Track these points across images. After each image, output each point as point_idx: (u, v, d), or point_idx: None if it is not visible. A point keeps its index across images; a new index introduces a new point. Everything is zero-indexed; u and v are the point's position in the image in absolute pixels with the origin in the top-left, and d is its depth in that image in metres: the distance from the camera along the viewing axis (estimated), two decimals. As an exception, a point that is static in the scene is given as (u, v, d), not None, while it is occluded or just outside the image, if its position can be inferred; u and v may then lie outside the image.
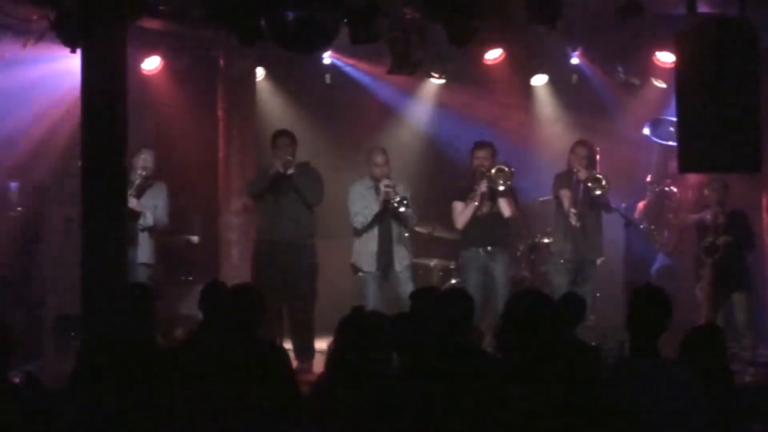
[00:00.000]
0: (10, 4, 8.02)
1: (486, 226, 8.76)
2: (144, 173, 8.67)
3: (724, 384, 4.91)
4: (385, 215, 8.76)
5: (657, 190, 9.30)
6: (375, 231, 8.75)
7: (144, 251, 8.71)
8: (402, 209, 8.67)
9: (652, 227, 9.61)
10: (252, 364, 5.13)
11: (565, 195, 8.89)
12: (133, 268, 8.28)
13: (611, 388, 4.32)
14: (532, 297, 4.12)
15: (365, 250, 8.78)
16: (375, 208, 8.74)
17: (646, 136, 9.48)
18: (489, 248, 8.79)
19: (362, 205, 8.78)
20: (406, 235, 8.93)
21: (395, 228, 8.79)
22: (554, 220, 9.20)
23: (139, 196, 8.62)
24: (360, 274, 8.81)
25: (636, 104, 10.08)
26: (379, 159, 8.82)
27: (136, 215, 8.50)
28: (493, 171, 8.70)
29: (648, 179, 9.26)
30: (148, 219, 8.67)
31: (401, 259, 8.80)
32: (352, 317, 4.38)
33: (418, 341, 4.97)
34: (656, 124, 9.50)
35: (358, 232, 8.83)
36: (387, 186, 8.68)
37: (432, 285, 8.82)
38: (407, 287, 8.60)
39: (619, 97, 10.10)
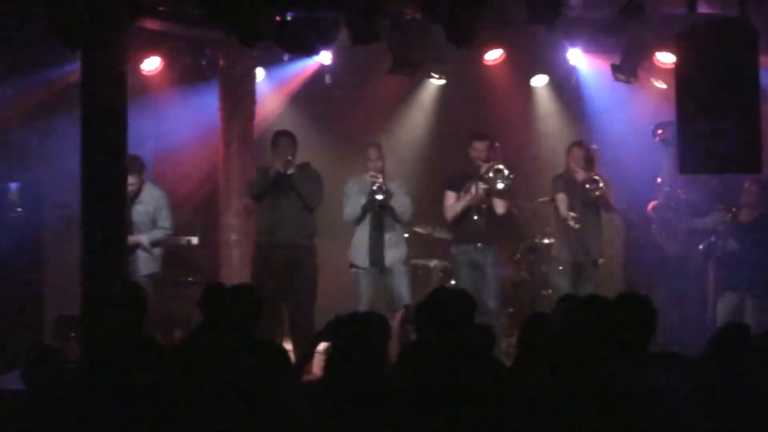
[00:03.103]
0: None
1: (477, 223, 8.74)
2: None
3: (750, 384, 4.79)
4: (376, 209, 8.70)
5: (666, 190, 9.23)
6: (367, 225, 8.73)
7: (146, 264, 8.67)
8: (380, 196, 8.56)
9: (657, 227, 9.48)
10: (252, 365, 5.12)
11: (561, 200, 8.90)
12: (136, 280, 8.25)
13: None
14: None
15: (358, 245, 8.76)
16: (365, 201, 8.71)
17: (655, 141, 9.32)
18: (479, 245, 8.77)
19: (355, 200, 8.75)
20: (401, 229, 8.86)
21: (388, 223, 8.74)
22: (554, 221, 9.20)
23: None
24: (353, 269, 8.79)
25: (636, 104, 10.06)
26: (372, 154, 8.79)
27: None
28: (491, 173, 8.67)
29: (658, 180, 9.19)
30: (145, 243, 8.64)
31: (394, 254, 8.73)
32: (345, 320, 4.38)
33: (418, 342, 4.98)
34: (663, 127, 9.38)
35: (353, 228, 8.80)
36: (372, 176, 8.64)
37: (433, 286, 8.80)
38: (401, 282, 8.60)
39: (618, 97, 10.07)
